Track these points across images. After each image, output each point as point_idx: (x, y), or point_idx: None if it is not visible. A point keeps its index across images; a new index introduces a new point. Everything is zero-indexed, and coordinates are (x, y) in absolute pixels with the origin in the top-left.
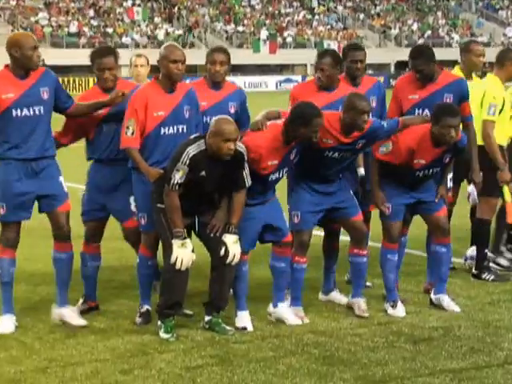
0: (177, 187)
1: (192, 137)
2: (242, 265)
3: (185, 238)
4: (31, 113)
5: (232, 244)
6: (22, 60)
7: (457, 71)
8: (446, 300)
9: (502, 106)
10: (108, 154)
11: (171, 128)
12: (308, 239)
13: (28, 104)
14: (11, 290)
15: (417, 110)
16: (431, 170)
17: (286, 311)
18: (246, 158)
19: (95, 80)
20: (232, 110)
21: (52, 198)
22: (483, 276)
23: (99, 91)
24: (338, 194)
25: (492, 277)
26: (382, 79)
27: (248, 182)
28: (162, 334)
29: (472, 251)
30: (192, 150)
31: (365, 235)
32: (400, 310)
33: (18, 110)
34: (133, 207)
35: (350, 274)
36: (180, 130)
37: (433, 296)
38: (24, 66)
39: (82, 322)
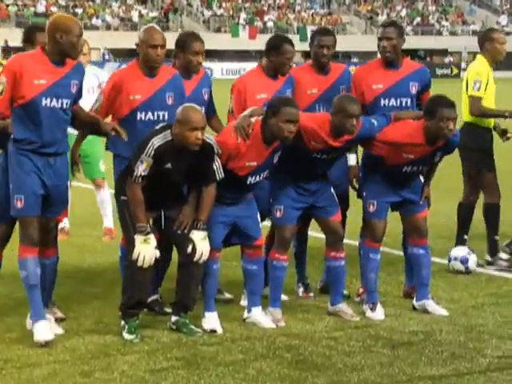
0: (140, 179)
1: (158, 126)
2: (213, 263)
3: (148, 233)
4: (59, 105)
5: (200, 241)
6: (65, 46)
7: (480, 61)
8: (430, 305)
9: (487, 85)
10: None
11: (149, 114)
12: (290, 236)
13: (57, 95)
14: (39, 293)
15: (382, 101)
16: (419, 167)
17: (260, 315)
18: (215, 150)
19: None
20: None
21: (57, 203)
22: (498, 263)
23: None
24: (319, 192)
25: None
26: None
27: (219, 175)
28: (126, 335)
29: (456, 251)
30: (157, 141)
31: (341, 237)
32: (379, 313)
33: (48, 100)
34: None
35: (328, 279)
36: (161, 117)
37: (415, 302)
38: (65, 52)
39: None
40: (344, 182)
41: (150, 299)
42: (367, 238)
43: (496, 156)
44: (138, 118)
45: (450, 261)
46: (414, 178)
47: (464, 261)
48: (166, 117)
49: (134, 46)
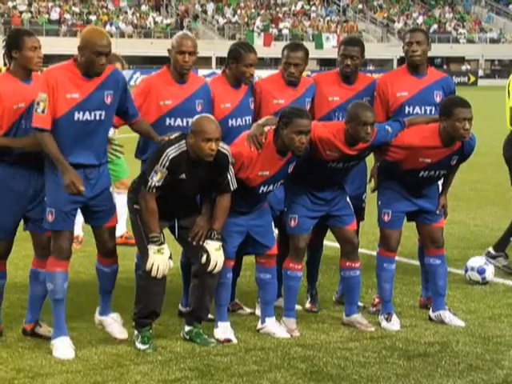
0: (154, 190)
1: (173, 136)
2: (227, 271)
3: (161, 243)
4: (92, 117)
5: (214, 251)
6: (85, 62)
7: None
8: (447, 316)
9: None
10: None
11: (178, 120)
12: (304, 246)
13: (90, 108)
14: (64, 308)
15: (406, 108)
16: (436, 172)
17: (274, 325)
18: (230, 160)
19: None
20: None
21: (100, 212)
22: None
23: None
24: (335, 200)
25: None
26: None
27: (233, 185)
28: (139, 345)
29: (473, 261)
30: (172, 152)
31: (356, 246)
32: (395, 324)
33: (81, 113)
34: None
35: (343, 290)
36: (189, 124)
37: (432, 313)
38: (87, 68)
39: (122, 335)
40: (361, 195)
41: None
42: (382, 248)
43: None
44: (167, 123)
45: (466, 271)
46: (430, 184)
47: (481, 271)
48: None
49: (148, 53)
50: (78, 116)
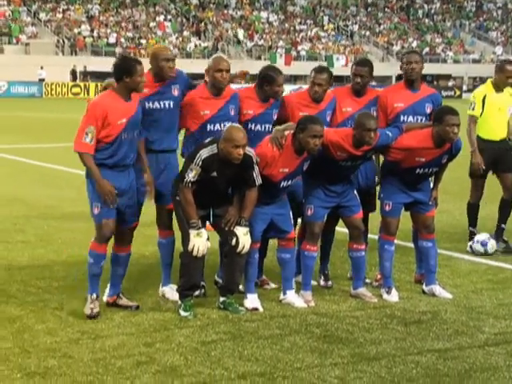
0: (190, 185)
1: (206, 140)
2: (254, 252)
3: (199, 227)
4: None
5: (243, 235)
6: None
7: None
8: (437, 289)
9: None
10: None
11: (217, 125)
12: (319, 230)
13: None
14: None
15: (402, 117)
16: (430, 169)
17: (294, 297)
18: (254, 160)
19: None
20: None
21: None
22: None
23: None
24: (345, 193)
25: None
26: None
27: (258, 181)
28: (182, 312)
29: (478, 237)
30: (204, 153)
31: (362, 232)
32: (394, 296)
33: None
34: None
35: (351, 268)
36: (224, 127)
37: (425, 287)
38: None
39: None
40: (371, 190)
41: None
42: (383, 233)
43: None
44: (208, 129)
45: (471, 245)
46: (424, 179)
47: (484, 243)
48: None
49: (189, 71)
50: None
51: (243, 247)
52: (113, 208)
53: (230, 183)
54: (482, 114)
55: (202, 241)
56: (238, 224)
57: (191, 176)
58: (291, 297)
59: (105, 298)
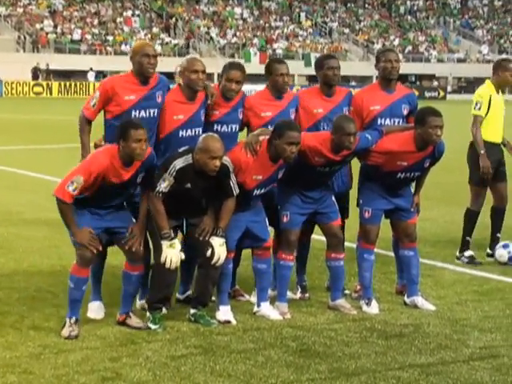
0: (160, 195)
1: (181, 149)
2: (228, 263)
3: (172, 238)
4: (147, 115)
5: (218, 246)
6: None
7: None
8: (420, 301)
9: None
10: None
11: (189, 131)
12: (295, 238)
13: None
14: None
15: (379, 120)
16: (412, 174)
17: (268, 309)
18: (231, 169)
19: (95, 85)
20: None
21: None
22: (461, 258)
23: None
24: (322, 199)
25: (467, 260)
26: None
27: (235, 190)
28: (150, 325)
29: (498, 245)
30: (179, 164)
31: (341, 240)
32: (374, 308)
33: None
34: None
35: (329, 278)
36: (197, 133)
37: (406, 299)
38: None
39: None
40: (345, 196)
41: (184, 295)
42: (362, 241)
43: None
44: (180, 135)
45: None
46: (406, 185)
47: (505, 246)
48: (200, 132)
49: (158, 70)
50: (134, 114)
51: (218, 258)
52: (95, 246)
53: (205, 194)
54: (486, 114)
55: (174, 252)
56: (213, 234)
57: (163, 186)
58: (266, 309)
59: (89, 314)
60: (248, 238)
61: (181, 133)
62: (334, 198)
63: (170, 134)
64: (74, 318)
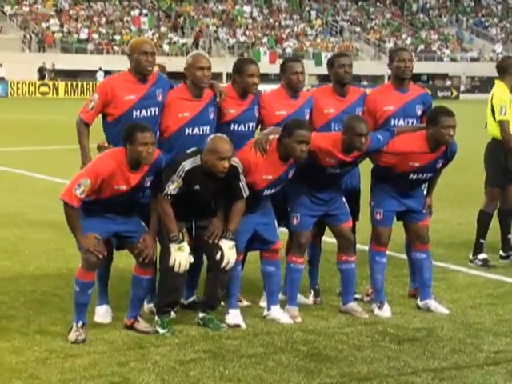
0: (169, 197)
1: (189, 151)
2: (236, 265)
3: (181, 241)
4: (148, 114)
5: (228, 249)
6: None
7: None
8: (433, 304)
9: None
10: None
11: (196, 129)
12: (305, 241)
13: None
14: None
15: (392, 121)
16: (424, 175)
17: (279, 312)
18: (240, 170)
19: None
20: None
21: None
22: (475, 261)
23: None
24: (332, 200)
25: (480, 263)
26: None
27: (245, 192)
28: (159, 329)
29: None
30: (187, 165)
31: (352, 242)
32: (386, 311)
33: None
34: None
35: (341, 281)
36: (204, 131)
37: (419, 302)
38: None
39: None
40: (355, 198)
41: (188, 301)
42: (374, 243)
43: None
44: (186, 133)
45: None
46: (418, 186)
47: None
48: (209, 130)
49: (177, 69)
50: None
51: (228, 262)
52: (101, 251)
53: (214, 195)
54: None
55: (183, 255)
56: (223, 237)
57: (171, 188)
58: (276, 312)
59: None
60: (256, 240)
61: (187, 131)
62: (344, 200)
63: (175, 133)
64: (80, 323)
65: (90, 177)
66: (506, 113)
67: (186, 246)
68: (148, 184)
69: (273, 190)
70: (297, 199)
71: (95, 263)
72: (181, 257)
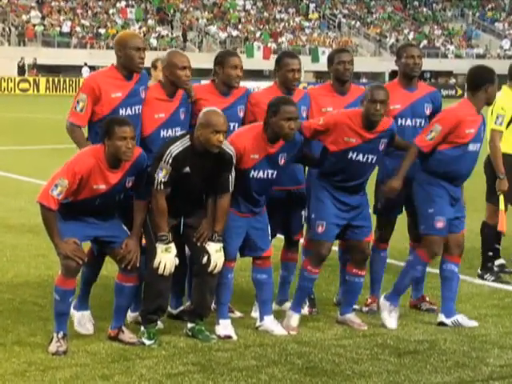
0: (162, 186)
1: (175, 136)
2: (228, 272)
3: (169, 241)
4: (132, 112)
5: (215, 253)
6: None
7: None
8: (462, 319)
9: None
10: None
11: (169, 130)
12: (327, 253)
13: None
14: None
15: (399, 120)
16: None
17: (272, 323)
18: (234, 161)
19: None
20: (241, 114)
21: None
22: (485, 276)
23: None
24: (359, 209)
25: (493, 278)
26: None
27: (231, 186)
28: (145, 340)
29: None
30: (175, 149)
31: (367, 257)
32: (393, 322)
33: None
34: None
35: (343, 291)
36: (176, 133)
37: (446, 319)
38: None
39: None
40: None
41: (177, 310)
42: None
43: None
44: (161, 135)
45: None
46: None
47: None
48: (179, 133)
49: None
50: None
51: (215, 266)
52: (81, 258)
53: (204, 182)
54: (507, 127)
55: (169, 257)
56: (209, 239)
57: (161, 176)
58: (269, 323)
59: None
60: (248, 246)
61: (162, 133)
62: (370, 211)
63: (151, 134)
64: (61, 333)
65: (67, 176)
66: (501, 123)
67: (173, 247)
68: (129, 184)
69: (260, 175)
70: (322, 205)
71: (75, 269)
72: (167, 259)
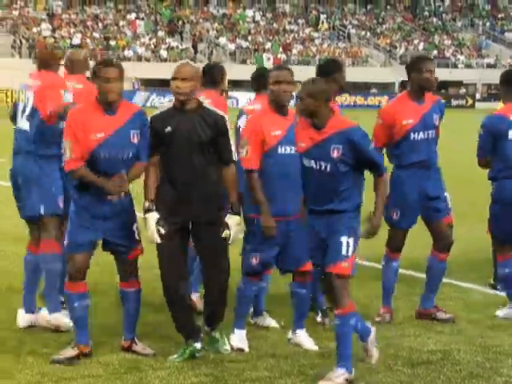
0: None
1: None
2: (252, 285)
3: (148, 211)
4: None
5: (235, 226)
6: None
7: None
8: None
9: None
10: None
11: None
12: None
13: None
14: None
15: (412, 135)
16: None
17: (305, 337)
18: (227, 125)
19: None
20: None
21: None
22: (498, 287)
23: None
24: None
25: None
26: (385, 98)
27: (234, 156)
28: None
29: None
30: (154, 114)
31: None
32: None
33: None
34: None
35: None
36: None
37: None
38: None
39: None
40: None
41: None
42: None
43: None
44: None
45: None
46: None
47: None
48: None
49: (163, 76)
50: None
51: (235, 240)
52: (86, 240)
53: (190, 142)
54: None
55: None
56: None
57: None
58: (302, 337)
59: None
60: (285, 258)
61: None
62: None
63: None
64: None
65: (66, 136)
66: None
67: (150, 216)
68: (135, 140)
69: (288, 150)
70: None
71: (74, 274)
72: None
